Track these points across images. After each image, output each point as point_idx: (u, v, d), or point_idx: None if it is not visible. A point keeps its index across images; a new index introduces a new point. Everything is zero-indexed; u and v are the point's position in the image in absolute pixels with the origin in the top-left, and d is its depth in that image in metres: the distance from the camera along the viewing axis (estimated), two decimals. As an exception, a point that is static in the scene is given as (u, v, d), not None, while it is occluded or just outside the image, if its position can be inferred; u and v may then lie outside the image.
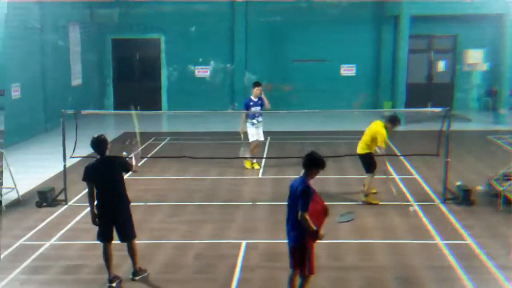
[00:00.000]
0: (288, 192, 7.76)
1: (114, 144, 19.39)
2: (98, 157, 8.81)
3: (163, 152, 18.08)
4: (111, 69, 27.78)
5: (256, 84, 15.86)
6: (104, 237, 8.68)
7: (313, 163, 7.71)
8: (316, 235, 7.38)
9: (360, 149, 12.77)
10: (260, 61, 27.08)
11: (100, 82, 27.68)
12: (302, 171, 7.76)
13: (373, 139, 12.52)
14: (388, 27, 26.61)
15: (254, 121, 15.72)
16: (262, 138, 15.99)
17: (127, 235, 8.80)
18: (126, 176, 8.82)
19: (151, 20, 26.36)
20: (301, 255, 7.57)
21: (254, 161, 16.00)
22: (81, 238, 10.57)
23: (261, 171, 15.65)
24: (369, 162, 12.68)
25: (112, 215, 8.63)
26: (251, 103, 15.58)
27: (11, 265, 9.41)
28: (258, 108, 15.54)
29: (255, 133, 15.77)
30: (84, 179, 8.70)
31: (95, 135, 8.79)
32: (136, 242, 8.85)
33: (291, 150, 16.12)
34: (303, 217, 7.31)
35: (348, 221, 8.18)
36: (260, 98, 15.63)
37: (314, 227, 7.29)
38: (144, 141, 19.56)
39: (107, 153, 8.84)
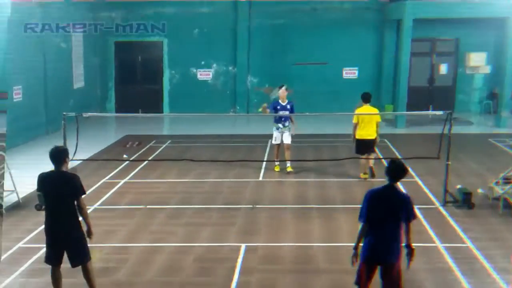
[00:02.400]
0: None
1: (115, 146, 19.60)
2: (53, 169, 7.97)
3: (164, 155, 18.07)
4: (113, 71, 27.78)
5: (280, 86, 15.68)
6: (52, 260, 8.02)
7: (404, 171, 7.27)
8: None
9: (372, 135, 14.45)
10: (262, 64, 27.07)
11: (102, 85, 27.68)
12: (387, 179, 7.27)
13: (376, 123, 14.42)
14: (391, 30, 26.59)
15: (280, 125, 15.45)
16: (287, 141, 15.47)
17: (77, 260, 8.01)
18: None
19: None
20: (399, 272, 7.27)
21: (277, 163, 15.88)
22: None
23: (261, 174, 15.62)
24: (374, 144, 14.62)
25: (60, 236, 7.88)
26: (279, 107, 15.36)
27: (10, 268, 9.40)
28: (286, 112, 15.29)
29: (278, 137, 15.53)
30: (39, 189, 8.25)
31: (56, 145, 8.18)
32: (136, 245, 8.83)
33: (293, 153, 16.05)
34: (410, 226, 7.16)
35: None
36: (289, 102, 15.43)
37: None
38: (145, 144, 19.64)
39: (65, 168, 8.06)
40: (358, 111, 14.82)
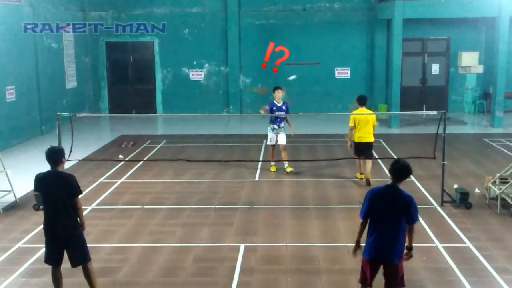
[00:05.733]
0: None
1: (110, 146, 19.58)
2: (50, 169, 7.97)
3: (159, 155, 18.06)
4: (105, 72, 27.68)
5: (274, 88, 15.69)
6: (52, 260, 8.01)
7: (409, 171, 7.24)
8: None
9: (370, 138, 14.24)
10: (254, 64, 27.06)
11: (95, 85, 27.59)
12: (391, 179, 7.25)
13: (373, 126, 14.23)
14: (381, 30, 26.65)
15: (275, 126, 15.50)
16: (282, 142, 15.50)
17: (77, 260, 8.01)
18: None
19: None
20: (402, 272, 7.28)
21: (272, 164, 15.93)
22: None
23: (257, 174, 15.64)
24: (372, 148, 14.47)
25: (59, 236, 7.86)
26: (274, 108, 15.42)
27: (9, 268, 9.40)
28: (282, 113, 15.35)
29: (273, 138, 15.58)
30: (36, 190, 8.27)
31: (52, 145, 8.16)
32: (135, 245, 8.81)
33: (288, 154, 16.07)
34: (412, 228, 7.19)
35: None
36: (284, 103, 15.50)
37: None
38: (140, 144, 19.63)
39: (61, 168, 8.03)
40: (353, 113, 14.74)
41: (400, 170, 7.17)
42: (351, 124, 14.30)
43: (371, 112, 14.86)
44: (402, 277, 7.30)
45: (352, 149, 14.49)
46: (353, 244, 7.51)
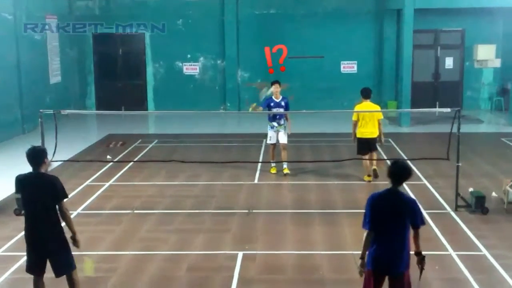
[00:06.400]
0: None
1: (98, 146, 19.57)
2: (31, 170, 7.88)
3: (150, 156, 18.07)
4: (92, 66, 27.69)
5: (272, 82, 15.68)
6: (34, 270, 7.95)
7: (408, 172, 7.18)
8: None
9: (374, 133, 14.59)
10: (253, 57, 27.07)
11: (81, 80, 27.60)
12: (390, 182, 7.17)
13: (378, 121, 14.59)
14: (391, 21, 26.59)
15: (274, 123, 15.49)
16: (283, 141, 15.53)
17: (61, 269, 7.96)
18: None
19: (134, 13, 26.26)
20: (409, 281, 7.22)
21: (273, 165, 15.93)
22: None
23: (257, 176, 15.63)
24: (376, 142, 14.86)
25: (41, 243, 7.78)
26: (272, 104, 15.39)
27: (-12, 279, 9.39)
28: (281, 110, 15.31)
29: (273, 136, 15.56)
30: (17, 191, 8.25)
31: (33, 145, 8.05)
32: (125, 253, 8.78)
33: (289, 154, 16.09)
34: (418, 233, 7.16)
35: None
36: (283, 99, 15.45)
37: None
38: (130, 144, 19.62)
39: (44, 170, 7.97)
40: (357, 107, 14.94)
41: (400, 172, 7.10)
42: (354, 118, 14.66)
43: (377, 106, 14.99)
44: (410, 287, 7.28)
45: (356, 145, 14.86)
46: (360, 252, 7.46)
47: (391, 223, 7.03)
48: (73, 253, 8.07)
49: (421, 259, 7.25)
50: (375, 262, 7.13)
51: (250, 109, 15.79)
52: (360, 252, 7.24)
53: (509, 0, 22.42)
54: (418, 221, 7.09)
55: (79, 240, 8.08)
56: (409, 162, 16.01)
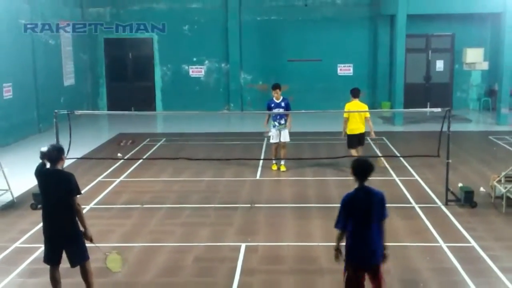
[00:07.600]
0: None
1: (109, 144, 19.58)
2: (48, 166, 8.00)
3: (159, 154, 18.06)
4: (103, 69, 27.74)
5: (273, 87, 15.77)
6: (51, 260, 8.02)
7: (370, 167, 7.05)
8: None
9: (362, 129, 15.28)
10: (255, 60, 27.10)
11: (93, 82, 27.66)
12: (356, 180, 7.11)
13: (365, 117, 15.29)
14: (384, 26, 26.66)
15: (276, 123, 15.58)
16: (285, 139, 15.65)
17: (76, 259, 8.02)
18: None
19: (143, 19, 26.26)
20: (381, 272, 7.23)
21: (274, 162, 15.97)
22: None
23: (258, 172, 15.64)
24: (364, 136, 15.65)
25: (57, 235, 7.88)
26: (273, 105, 15.49)
27: (7, 268, 9.40)
28: (281, 110, 15.38)
29: (275, 135, 15.64)
30: (36, 179, 8.15)
31: (52, 143, 8.15)
32: (134, 245, 8.78)
33: (289, 151, 16.10)
34: (384, 226, 7.13)
35: None
36: (284, 100, 15.54)
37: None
38: (139, 143, 19.64)
39: (61, 166, 8.02)
40: (347, 105, 15.51)
41: (362, 169, 7.03)
42: (345, 115, 15.31)
43: (364, 104, 15.67)
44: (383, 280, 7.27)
45: (346, 140, 15.59)
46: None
47: (364, 220, 6.96)
48: (87, 245, 8.10)
49: (386, 253, 7.22)
50: (354, 259, 7.08)
51: (265, 133, 16.35)
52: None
53: (496, 6, 22.36)
54: (384, 214, 7.07)
55: (91, 235, 8.08)
56: (401, 159, 16.24)
